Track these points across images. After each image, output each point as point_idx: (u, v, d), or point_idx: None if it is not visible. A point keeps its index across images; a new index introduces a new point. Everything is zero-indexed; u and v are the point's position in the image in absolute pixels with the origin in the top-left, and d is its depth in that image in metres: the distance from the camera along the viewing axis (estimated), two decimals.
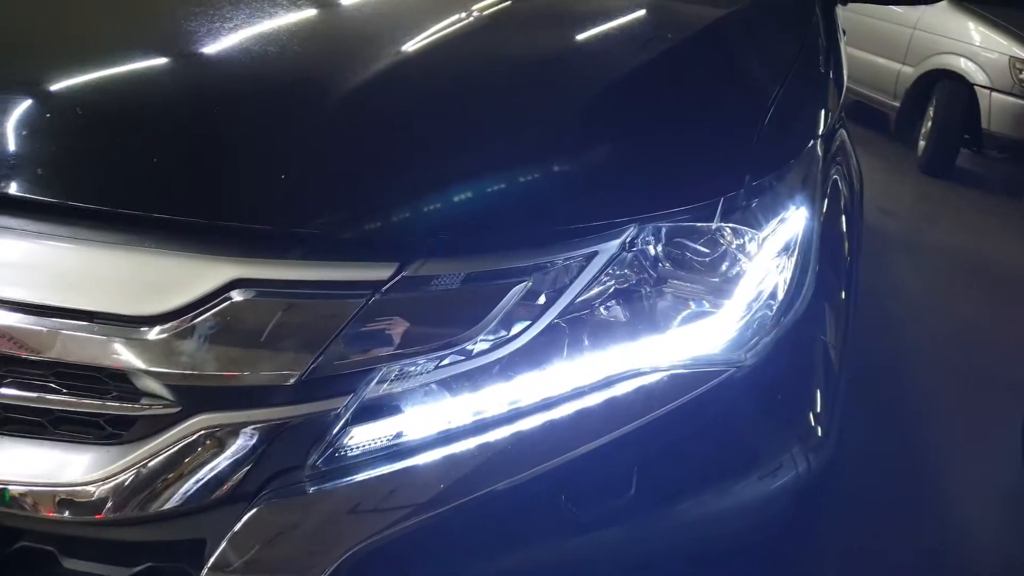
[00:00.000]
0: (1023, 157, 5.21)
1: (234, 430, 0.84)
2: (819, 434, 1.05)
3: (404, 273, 0.85)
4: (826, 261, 1.17)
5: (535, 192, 0.95)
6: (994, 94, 5.03)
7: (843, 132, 1.55)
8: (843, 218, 1.34)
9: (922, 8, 5.31)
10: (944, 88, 5.36)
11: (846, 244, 1.33)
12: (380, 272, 0.84)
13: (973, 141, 5.25)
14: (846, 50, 1.96)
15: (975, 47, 5.19)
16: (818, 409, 1.06)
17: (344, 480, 0.85)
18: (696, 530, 0.97)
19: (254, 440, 0.84)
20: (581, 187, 0.97)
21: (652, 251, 1.00)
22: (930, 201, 5.03)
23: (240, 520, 0.83)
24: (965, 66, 5.18)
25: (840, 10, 1.96)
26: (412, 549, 0.86)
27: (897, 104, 5.82)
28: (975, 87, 5.11)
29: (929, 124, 5.47)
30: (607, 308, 0.99)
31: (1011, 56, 4.93)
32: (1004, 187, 5.46)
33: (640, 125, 1.08)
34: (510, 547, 0.90)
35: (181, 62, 1.10)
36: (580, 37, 1.33)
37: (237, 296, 0.82)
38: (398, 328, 0.86)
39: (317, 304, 0.84)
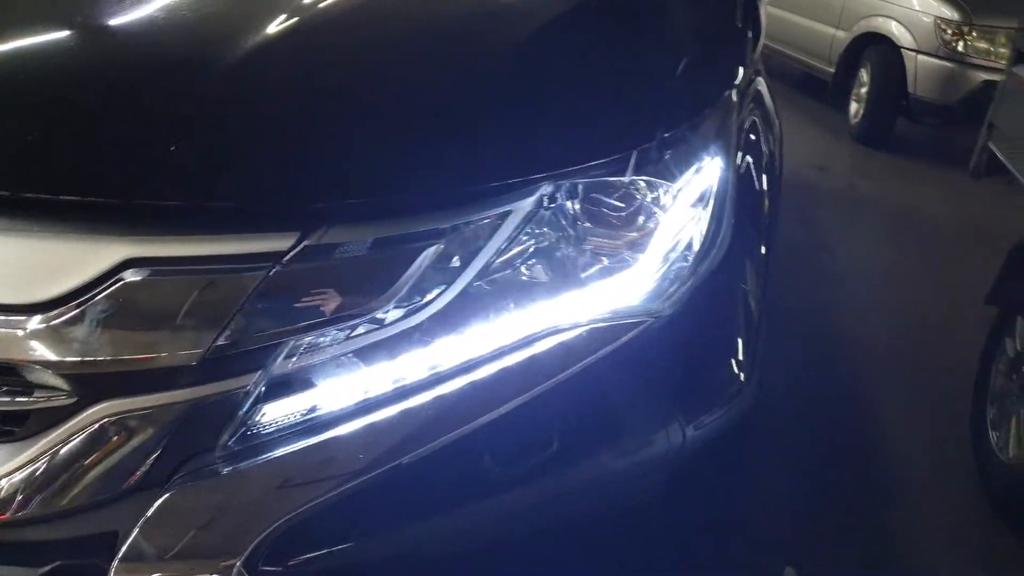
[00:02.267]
0: (953, 122, 4.96)
1: (138, 416, 0.81)
2: (741, 379, 1.06)
3: (306, 242, 0.82)
4: (743, 210, 1.18)
5: (444, 151, 0.92)
6: (920, 56, 4.86)
7: (761, 83, 1.56)
8: (760, 168, 1.35)
9: None
10: (875, 53, 5.17)
11: (763, 193, 1.34)
12: (280, 242, 0.81)
13: (906, 108, 5.06)
14: (765, 5, 1.97)
15: (903, 8, 5.04)
16: (739, 355, 1.07)
17: (258, 459, 0.83)
18: (621, 481, 0.98)
19: (160, 425, 0.81)
20: (492, 145, 0.95)
21: (568, 208, 0.99)
22: (863, 173, 4.79)
23: (150, 508, 0.80)
24: (895, 29, 5.02)
25: None
26: (333, 522, 0.84)
27: (832, 71, 5.64)
28: (903, 50, 4.95)
29: (863, 91, 5.26)
30: (526, 267, 0.97)
31: (937, 17, 4.79)
32: (936, 156, 5.15)
33: (549, 80, 1.06)
34: (431, 512, 0.89)
35: (58, 32, 1.04)
36: None
37: (130, 276, 0.78)
38: (304, 300, 0.83)
39: (216, 280, 0.80)
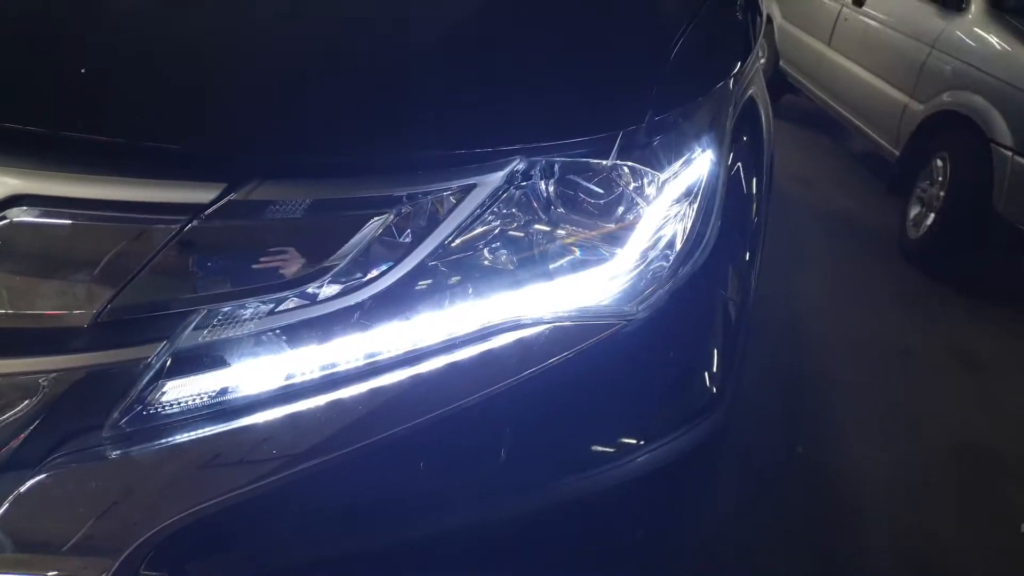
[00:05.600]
0: None
1: (14, 381, 0.68)
2: (713, 393, 0.96)
3: (232, 196, 0.70)
4: (731, 211, 1.08)
5: (405, 109, 0.80)
6: (1018, 160, 3.05)
7: (758, 81, 1.46)
8: (751, 169, 1.25)
9: (950, 15, 3.63)
10: (957, 142, 3.40)
11: (753, 196, 1.25)
12: (202, 193, 0.69)
13: (980, 226, 3.27)
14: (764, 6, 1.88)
15: (1003, 80, 3.18)
16: (714, 368, 0.97)
17: (154, 444, 0.71)
18: (576, 501, 0.87)
19: (40, 394, 0.69)
20: (461, 108, 0.84)
21: (542, 189, 0.88)
22: (916, 323, 3.09)
23: (16, 490, 0.68)
24: (986, 111, 3.21)
25: None
26: (236, 526, 0.73)
27: (897, 153, 3.91)
28: (993, 145, 3.14)
29: (931, 192, 3.54)
30: (488, 251, 0.86)
31: None
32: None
33: (535, 44, 0.94)
34: (353, 519, 0.78)
35: None
36: None
37: (18, 215, 0.66)
38: (223, 262, 0.71)
39: (120, 229, 0.68)
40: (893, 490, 2.13)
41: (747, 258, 1.16)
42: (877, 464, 2.20)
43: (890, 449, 2.28)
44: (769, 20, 5.46)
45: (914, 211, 3.68)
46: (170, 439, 0.71)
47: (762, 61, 5.33)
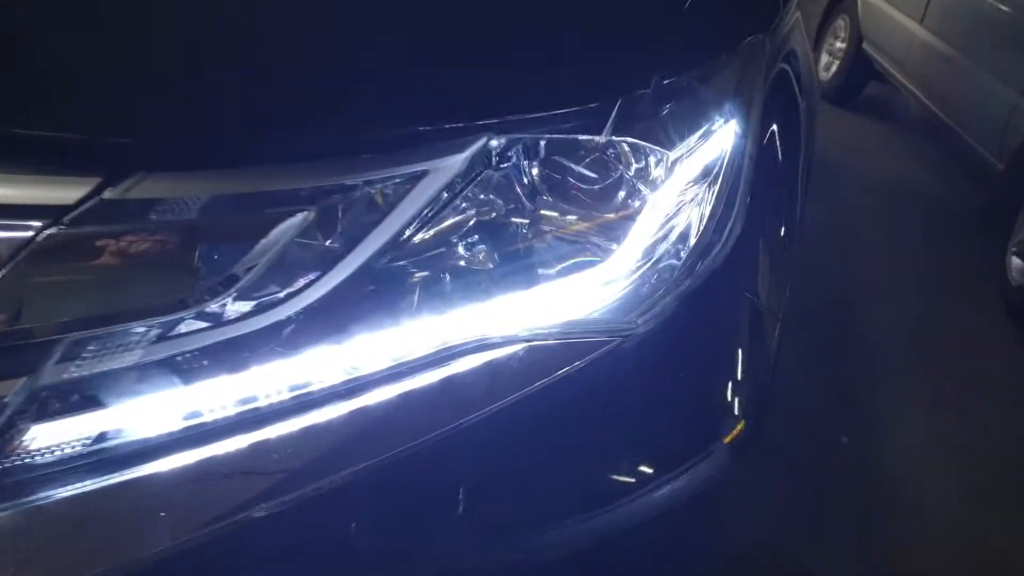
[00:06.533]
0: None
1: None
2: (736, 425, 0.78)
3: (105, 194, 0.54)
4: (761, 193, 0.89)
5: (331, 78, 0.64)
6: None
7: (798, 35, 1.25)
8: (788, 140, 1.05)
9: None
10: None
11: (791, 173, 1.05)
12: (65, 191, 0.54)
13: None
14: None
15: None
16: (737, 392, 0.80)
17: (14, 502, 0.56)
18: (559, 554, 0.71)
19: None
20: (407, 74, 0.67)
21: (522, 175, 0.71)
22: None
23: None
24: None
25: None
26: None
27: (1000, 167, 2.84)
28: None
29: None
30: (450, 251, 0.70)
31: None
32: None
33: None
34: None
35: None
36: None
37: None
38: (95, 278, 0.56)
39: None
40: None
41: (781, 252, 0.97)
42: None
43: None
44: None
45: (1015, 263, 2.55)
46: (36, 497, 0.57)
47: (842, 42, 4.58)
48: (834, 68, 4.68)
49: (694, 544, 0.89)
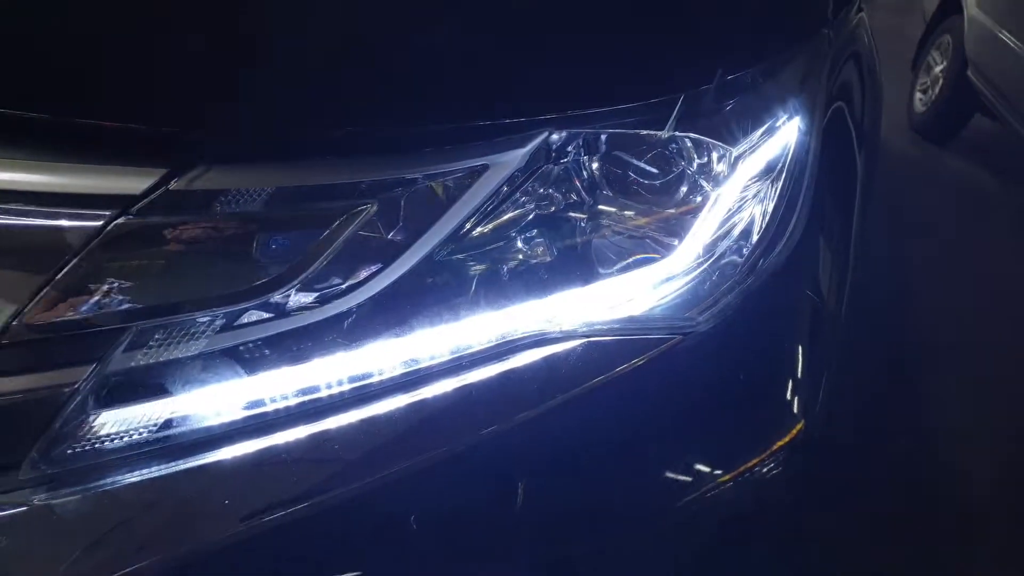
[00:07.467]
0: None
1: None
2: (796, 425, 0.76)
3: (172, 185, 0.55)
4: (826, 191, 0.87)
5: (388, 73, 0.64)
6: None
7: (862, 23, 1.21)
8: (854, 136, 1.03)
9: None
10: None
11: (857, 170, 1.02)
12: (132, 182, 0.55)
13: None
14: None
15: None
16: (797, 391, 0.78)
17: (84, 487, 0.58)
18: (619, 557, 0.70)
19: None
20: (470, 70, 0.67)
21: (583, 168, 0.71)
22: None
23: None
24: None
25: None
26: None
27: None
28: None
29: None
30: (508, 246, 0.70)
31: None
32: None
33: None
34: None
35: None
36: None
37: None
38: (161, 268, 0.57)
39: (32, 228, 0.55)
40: None
41: (844, 240, 0.95)
42: None
43: None
44: (957, 8, 3.69)
45: None
46: (103, 482, 0.58)
47: (942, 66, 3.75)
48: (931, 97, 3.85)
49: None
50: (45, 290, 0.55)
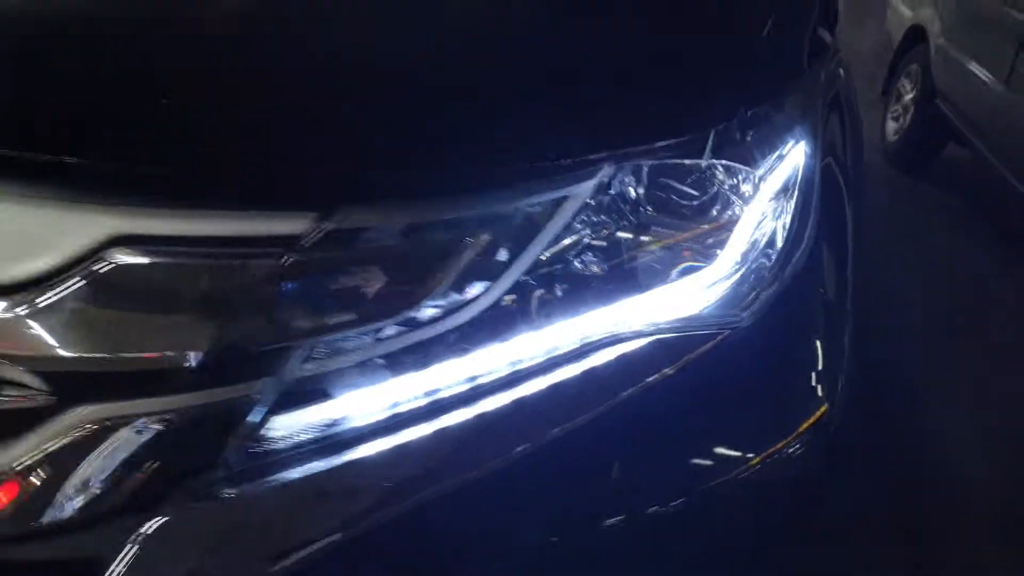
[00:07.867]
0: None
1: (126, 424, 0.68)
2: (821, 407, 0.91)
3: (328, 225, 0.68)
4: (828, 203, 1.03)
5: (491, 124, 0.78)
6: None
7: (840, 59, 1.39)
8: (844, 155, 1.19)
9: None
10: None
11: (848, 184, 1.19)
12: (298, 224, 0.68)
13: None
14: None
15: None
16: (820, 378, 0.92)
17: (267, 480, 0.70)
18: (690, 518, 0.83)
19: (151, 435, 0.68)
20: (547, 118, 0.81)
21: (632, 194, 0.85)
22: None
23: (140, 534, 0.68)
24: None
25: None
26: (357, 561, 0.71)
27: None
28: None
29: None
30: (580, 263, 0.83)
31: None
32: None
33: (617, 45, 0.91)
34: (472, 551, 0.76)
35: None
36: None
37: (115, 257, 0.65)
38: (325, 293, 0.70)
39: (219, 266, 0.67)
40: None
41: (846, 242, 1.11)
42: None
43: None
44: (923, 37, 3.74)
45: None
46: (282, 475, 0.70)
47: (911, 95, 3.79)
48: (903, 125, 3.79)
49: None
50: (235, 316, 0.67)
